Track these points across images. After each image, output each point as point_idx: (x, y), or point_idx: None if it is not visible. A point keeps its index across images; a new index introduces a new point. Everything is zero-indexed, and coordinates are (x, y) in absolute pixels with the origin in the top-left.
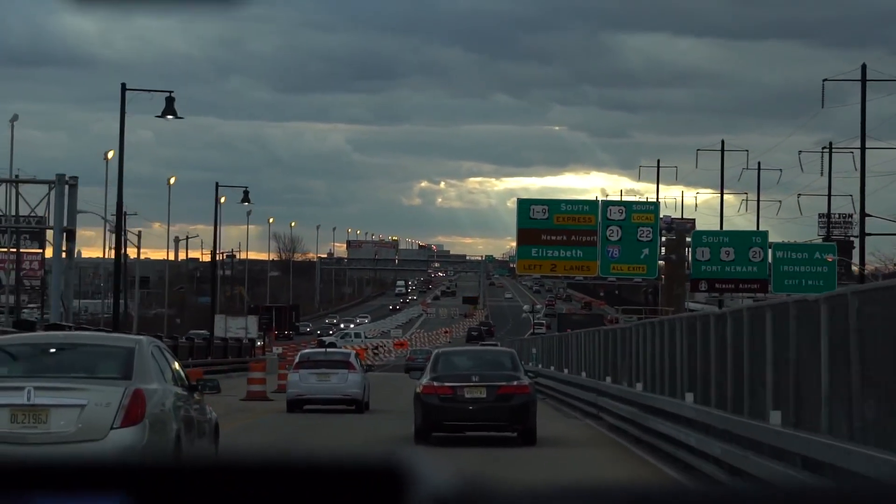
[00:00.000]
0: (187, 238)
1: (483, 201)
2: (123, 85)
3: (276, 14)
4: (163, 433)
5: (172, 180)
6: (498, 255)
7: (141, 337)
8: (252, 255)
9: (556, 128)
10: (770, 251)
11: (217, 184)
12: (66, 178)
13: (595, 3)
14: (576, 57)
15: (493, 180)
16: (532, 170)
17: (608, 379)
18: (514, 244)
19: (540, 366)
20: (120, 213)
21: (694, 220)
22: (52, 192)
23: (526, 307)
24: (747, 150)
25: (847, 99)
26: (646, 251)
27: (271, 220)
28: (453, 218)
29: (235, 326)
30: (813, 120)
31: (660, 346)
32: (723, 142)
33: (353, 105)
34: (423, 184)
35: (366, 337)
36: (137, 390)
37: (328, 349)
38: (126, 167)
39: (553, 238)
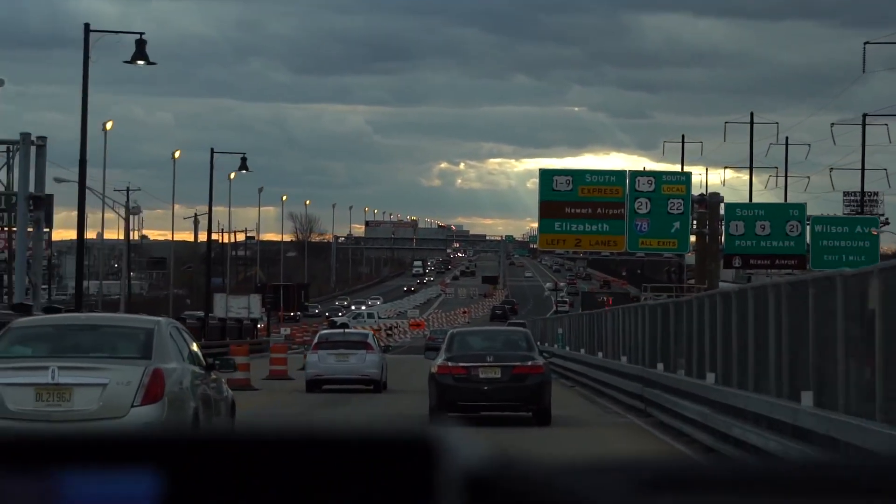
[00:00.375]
0: (196, 216)
1: (503, 182)
2: (87, 25)
3: None
4: (181, 411)
5: (177, 154)
6: (518, 236)
7: (160, 318)
8: (271, 237)
9: (576, 108)
10: (808, 225)
11: (213, 150)
12: (33, 139)
13: None
14: (595, 37)
15: (512, 161)
16: (551, 151)
17: (660, 366)
18: (534, 224)
19: (567, 348)
20: (83, 171)
21: (722, 195)
22: (18, 155)
23: (548, 285)
24: (777, 123)
25: (867, 80)
26: (677, 224)
27: (284, 197)
28: (473, 199)
29: (237, 306)
30: (834, 101)
31: (740, 324)
32: (752, 114)
33: (373, 87)
34: (443, 165)
35: (380, 317)
36: (157, 369)
37: (346, 330)
38: (144, 149)
39: (578, 211)
